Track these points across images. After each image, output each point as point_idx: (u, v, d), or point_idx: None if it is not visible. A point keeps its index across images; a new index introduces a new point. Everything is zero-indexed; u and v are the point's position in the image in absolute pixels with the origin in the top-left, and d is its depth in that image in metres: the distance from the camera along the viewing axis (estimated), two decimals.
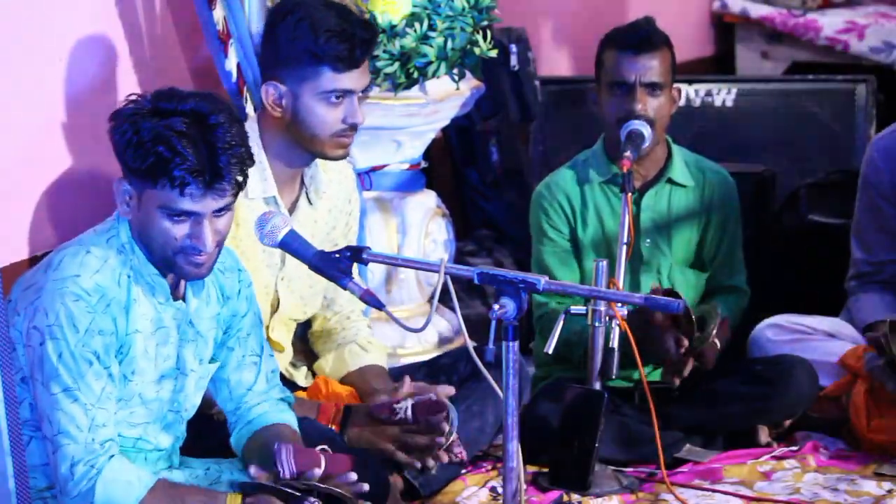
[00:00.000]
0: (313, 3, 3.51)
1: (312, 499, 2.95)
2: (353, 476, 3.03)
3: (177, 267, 3.01)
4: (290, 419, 3.29)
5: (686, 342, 3.92)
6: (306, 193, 3.67)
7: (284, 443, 3.05)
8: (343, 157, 3.59)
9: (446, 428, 3.48)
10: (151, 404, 3.11)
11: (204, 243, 2.97)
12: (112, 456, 2.97)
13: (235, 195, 2.99)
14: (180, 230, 2.97)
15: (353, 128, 3.52)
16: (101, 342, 2.97)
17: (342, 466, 3.07)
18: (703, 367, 4.02)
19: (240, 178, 2.98)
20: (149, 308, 3.06)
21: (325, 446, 3.11)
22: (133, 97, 2.98)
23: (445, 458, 3.53)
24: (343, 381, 3.78)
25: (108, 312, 2.98)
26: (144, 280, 3.05)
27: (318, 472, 3.01)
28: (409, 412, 3.46)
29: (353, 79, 3.50)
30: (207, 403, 3.37)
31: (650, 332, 3.92)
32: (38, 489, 3.05)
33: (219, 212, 2.98)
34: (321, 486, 2.98)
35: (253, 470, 3.05)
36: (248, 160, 2.99)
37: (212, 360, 3.23)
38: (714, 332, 3.97)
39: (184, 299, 3.13)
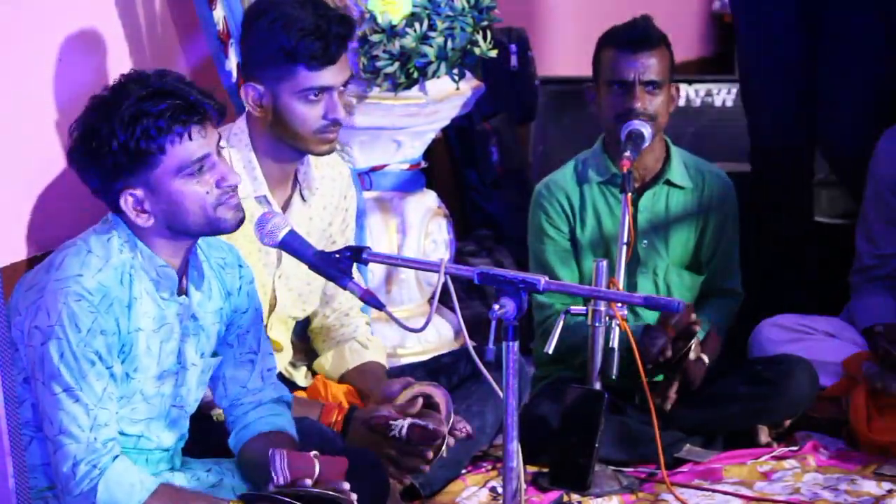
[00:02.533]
0: (287, 2, 3.50)
1: None
2: (346, 485, 3.03)
3: (220, 222, 3.03)
4: (285, 424, 3.28)
5: (670, 353, 3.93)
6: (300, 191, 3.67)
7: (278, 449, 3.04)
8: (329, 153, 3.59)
9: (430, 456, 3.49)
10: (153, 400, 3.11)
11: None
12: (116, 456, 2.97)
13: None
14: (204, 185, 3.00)
15: (336, 123, 3.52)
16: (103, 342, 2.97)
17: (337, 469, 3.06)
18: (690, 386, 4.02)
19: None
20: (151, 306, 3.06)
21: (316, 452, 3.10)
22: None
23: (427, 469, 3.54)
24: (342, 378, 3.78)
25: (110, 312, 2.98)
26: (150, 275, 3.05)
27: (309, 482, 3.00)
28: (405, 432, 3.45)
29: (330, 75, 3.49)
30: (207, 405, 3.37)
31: (648, 330, 3.93)
32: (39, 489, 3.05)
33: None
34: (314, 490, 2.98)
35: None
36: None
37: (213, 355, 3.23)
38: (693, 347, 3.97)
39: (186, 294, 3.13)
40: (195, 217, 3.01)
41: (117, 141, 2.94)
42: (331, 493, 2.97)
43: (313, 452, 3.06)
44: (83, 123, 3.00)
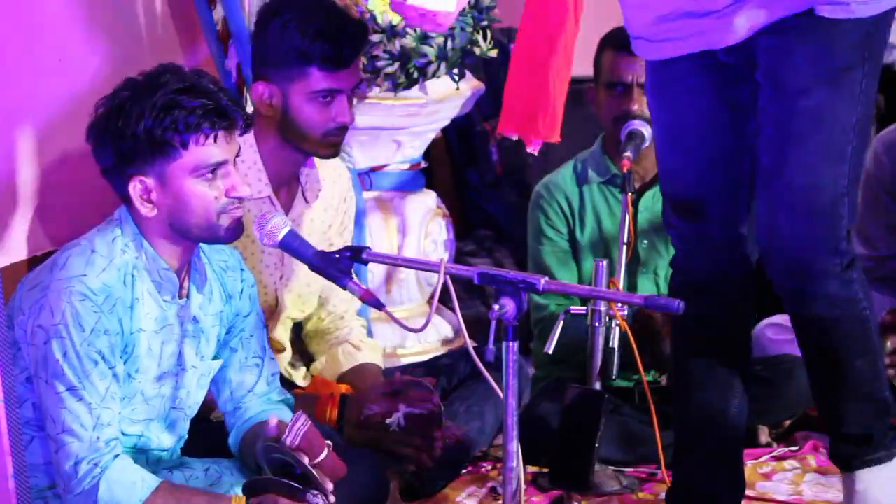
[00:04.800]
0: (302, 2, 3.50)
1: (315, 492, 2.95)
2: (330, 486, 3.01)
3: (219, 230, 3.03)
4: (286, 418, 3.28)
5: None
6: (302, 192, 3.68)
7: (305, 415, 3.04)
8: (333, 156, 3.60)
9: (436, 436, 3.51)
10: (153, 401, 3.11)
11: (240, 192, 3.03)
12: (117, 455, 2.97)
13: None
14: (215, 189, 3.01)
15: (343, 128, 3.53)
16: (106, 342, 2.97)
17: (335, 471, 3.06)
18: None
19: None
20: (153, 307, 3.06)
21: (331, 443, 3.11)
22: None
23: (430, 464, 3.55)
24: (339, 381, 3.78)
25: (113, 312, 2.98)
26: (152, 277, 3.05)
27: (306, 460, 3.00)
28: (402, 422, 3.46)
29: (342, 78, 3.50)
30: (208, 407, 3.37)
31: (649, 334, 3.93)
32: (40, 488, 3.06)
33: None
34: (304, 465, 2.98)
35: (273, 421, 3.04)
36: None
37: (214, 358, 3.23)
38: None
39: (187, 296, 3.13)
40: (198, 219, 3.01)
41: (143, 125, 2.94)
42: (315, 475, 2.98)
43: (329, 442, 3.06)
44: (111, 101, 3.00)
